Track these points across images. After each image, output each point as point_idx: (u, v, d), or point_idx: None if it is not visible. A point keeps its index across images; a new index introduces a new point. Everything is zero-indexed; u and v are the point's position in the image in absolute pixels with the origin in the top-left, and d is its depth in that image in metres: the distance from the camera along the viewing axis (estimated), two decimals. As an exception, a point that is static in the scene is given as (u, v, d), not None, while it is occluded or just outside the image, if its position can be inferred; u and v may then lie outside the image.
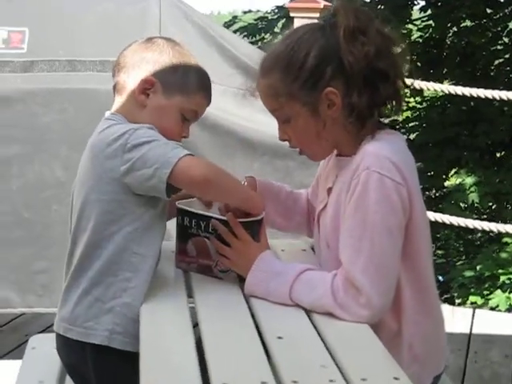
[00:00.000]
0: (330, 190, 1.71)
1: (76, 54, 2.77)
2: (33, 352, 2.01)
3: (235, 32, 6.73)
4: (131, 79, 1.68)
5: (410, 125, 7.03)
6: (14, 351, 2.99)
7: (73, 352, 1.64)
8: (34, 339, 2.09)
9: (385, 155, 1.54)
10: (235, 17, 7.81)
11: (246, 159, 2.84)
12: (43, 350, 1.96)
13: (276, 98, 1.63)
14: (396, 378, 1.30)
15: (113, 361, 1.60)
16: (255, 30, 6.93)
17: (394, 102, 1.65)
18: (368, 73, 1.57)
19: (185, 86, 1.69)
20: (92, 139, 1.65)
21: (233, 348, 1.40)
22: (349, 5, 1.61)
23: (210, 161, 1.63)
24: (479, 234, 6.37)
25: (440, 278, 6.23)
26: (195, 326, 1.48)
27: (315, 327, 1.50)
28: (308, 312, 1.56)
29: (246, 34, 6.82)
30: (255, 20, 7.33)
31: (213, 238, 1.66)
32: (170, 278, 1.72)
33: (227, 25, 7.04)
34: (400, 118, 7.17)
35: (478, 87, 3.46)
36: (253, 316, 1.54)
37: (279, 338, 1.44)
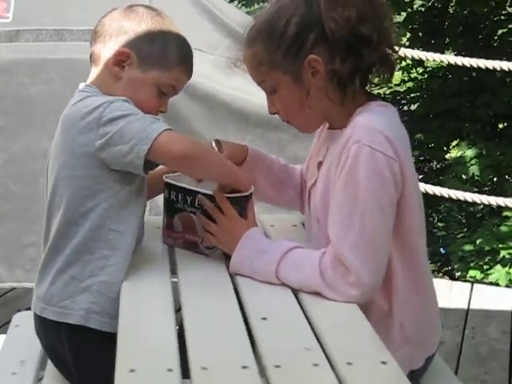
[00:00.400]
0: (320, 165, 1.66)
1: (63, 22, 2.68)
2: (16, 330, 1.97)
3: (233, 0, 6.61)
4: (107, 49, 1.61)
5: (411, 95, 6.94)
6: (4, 327, 2.94)
7: (50, 332, 1.60)
8: (17, 317, 2.04)
9: (376, 128, 1.49)
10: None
11: (238, 132, 2.78)
12: (26, 328, 1.90)
13: (260, 68, 1.59)
14: (383, 363, 1.24)
15: (89, 341, 1.56)
16: (253, -1, 6.82)
17: (384, 71, 1.59)
18: (350, 38, 1.52)
19: (162, 59, 1.62)
20: (65, 112, 1.59)
21: (214, 330, 1.35)
22: None
23: (188, 135, 1.57)
24: (481, 206, 6.31)
25: (442, 250, 6.20)
26: (179, 310, 1.42)
27: (302, 307, 1.45)
28: (295, 291, 1.51)
29: (243, 2, 6.70)
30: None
31: (199, 213, 1.61)
32: (154, 254, 1.68)
33: (226, -9, 6.90)
34: (402, 89, 7.10)
35: (481, 57, 3.38)
36: (238, 295, 1.49)
37: (263, 318, 1.39)
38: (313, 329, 1.36)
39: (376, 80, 1.61)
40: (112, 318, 1.49)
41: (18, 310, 2.21)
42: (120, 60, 1.60)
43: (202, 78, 2.71)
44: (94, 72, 1.64)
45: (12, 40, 2.65)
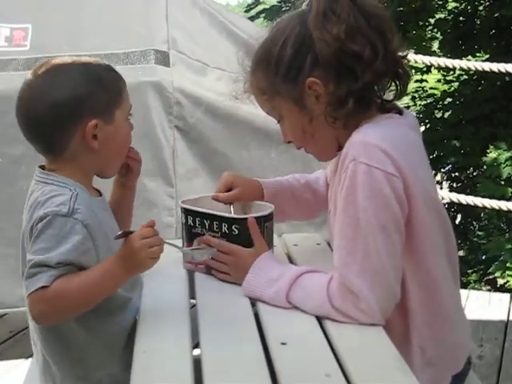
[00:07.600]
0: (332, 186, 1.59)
1: (80, 48, 2.66)
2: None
3: (257, 15, 6.58)
4: (66, 134, 1.44)
5: (445, 102, 6.84)
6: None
7: None
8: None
9: (372, 143, 1.38)
10: (258, -1, 7.59)
11: (263, 149, 2.74)
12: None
13: (263, 96, 1.53)
14: (407, 386, 1.19)
15: None
16: (279, 12, 6.76)
17: (397, 84, 1.49)
18: (340, 56, 1.41)
19: (112, 96, 1.48)
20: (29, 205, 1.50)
21: (232, 357, 1.30)
22: None
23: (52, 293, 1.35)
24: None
25: (483, 257, 6.08)
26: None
27: (323, 330, 1.40)
28: (316, 313, 1.46)
29: (268, 17, 6.65)
30: (278, 2, 7.14)
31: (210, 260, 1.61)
32: (173, 279, 1.65)
33: (250, 7, 6.88)
34: (437, 92, 6.99)
35: (512, 61, 3.31)
36: (258, 319, 1.45)
37: (283, 343, 1.34)
38: (334, 352, 1.31)
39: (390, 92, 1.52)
40: None
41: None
42: (93, 134, 1.45)
43: (224, 96, 2.67)
44: (58, 161, 1.48)
45: (30, 67, 2.62)
